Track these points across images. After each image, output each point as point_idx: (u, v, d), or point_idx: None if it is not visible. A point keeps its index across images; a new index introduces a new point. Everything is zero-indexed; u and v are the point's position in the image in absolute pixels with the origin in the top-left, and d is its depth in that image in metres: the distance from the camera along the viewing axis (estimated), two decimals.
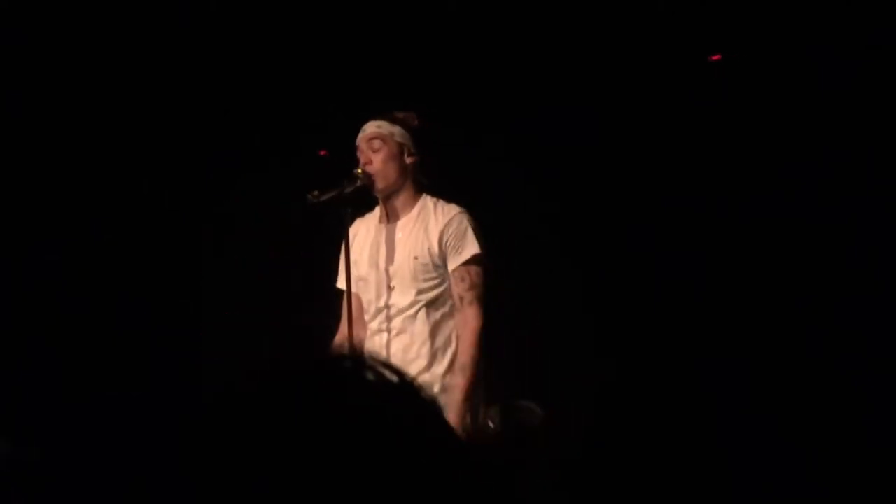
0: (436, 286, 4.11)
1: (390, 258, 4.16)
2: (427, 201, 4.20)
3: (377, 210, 4.29)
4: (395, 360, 3.96)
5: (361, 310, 4.21)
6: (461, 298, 4.07)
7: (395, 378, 1.00)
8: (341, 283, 4.26)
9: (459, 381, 3.97)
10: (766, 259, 5.10)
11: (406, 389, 1.00)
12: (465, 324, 4.06)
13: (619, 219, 5.35)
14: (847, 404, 4.78)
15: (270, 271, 5.90)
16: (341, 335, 4.18)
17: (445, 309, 4.11)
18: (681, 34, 5.19)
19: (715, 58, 5.16)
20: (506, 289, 4.40)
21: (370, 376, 1.00)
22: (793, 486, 4.62)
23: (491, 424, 3.98)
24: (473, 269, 4.09)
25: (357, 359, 1.02)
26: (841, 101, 4.93)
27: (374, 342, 4.12)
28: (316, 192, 4.10)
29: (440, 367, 4.05)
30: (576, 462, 4.57)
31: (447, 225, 4.11)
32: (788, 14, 4.97)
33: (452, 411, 3.88)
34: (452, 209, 4.16)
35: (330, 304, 4.36)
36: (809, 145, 5.01)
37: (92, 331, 5.51)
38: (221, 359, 5.38)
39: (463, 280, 4.09)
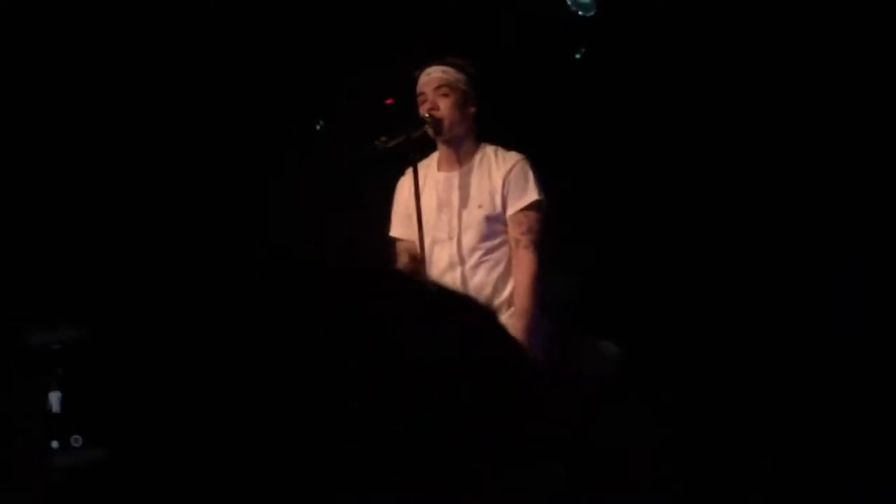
0: (499, 234, 4.12)
1: (456, 207, 4.16)
2: (487, 149, 4.21)
3: (434, 158, 4.29)
4: None
5: (417, 259, 4.19)
6: (517, 242, 4.08)
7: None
8: (395, 231, 4.30)
9: (517, 324, 3.95)
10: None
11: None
12: (519, 266, 4.06)
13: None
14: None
15: (336, 219, 5.99)
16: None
17: (507, 261, 4.11)
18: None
19: None
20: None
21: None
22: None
23: (575, 357, 4.01)
24: (532, 214, 4.10)
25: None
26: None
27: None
28: (384, 139, 4.11)
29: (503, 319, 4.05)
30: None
31: (509, 172, 4.12)
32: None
33: None
34: (513, 156, 4.17)
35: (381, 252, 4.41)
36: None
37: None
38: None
39: (520, 224, 4.09)
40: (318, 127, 6.21)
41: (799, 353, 5.00)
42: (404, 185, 4.28)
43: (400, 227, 4.30)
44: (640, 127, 5.45)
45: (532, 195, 4.10)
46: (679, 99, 5.39)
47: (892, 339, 4.84)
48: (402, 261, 4.23)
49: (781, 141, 5.21)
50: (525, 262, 4.06)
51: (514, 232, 4.10)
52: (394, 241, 4.33)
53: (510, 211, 4.11)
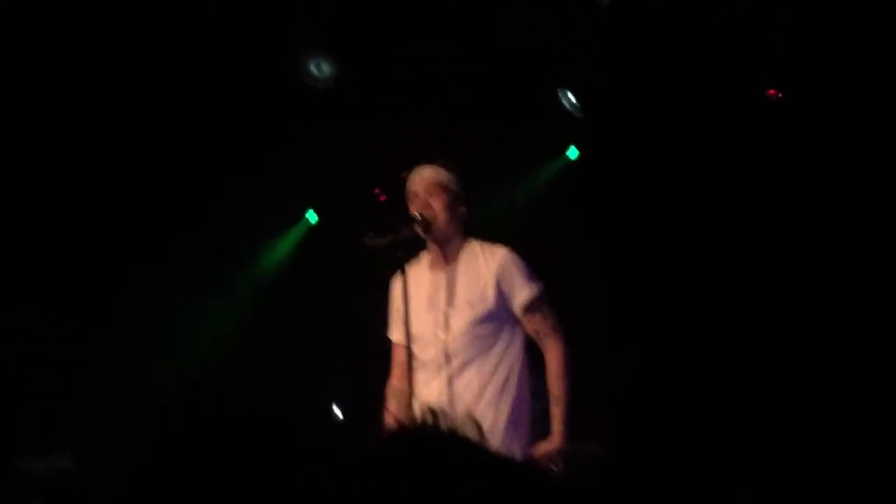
0: (488, 333, 4.10)
1: (443, 307, 4.14)
2: (473, 246, 4.21)
3: (423, 257, 4.28)
4: (460, 403, 3.99)
5: (410, 360, 4.16)
6: (537, 334, 4.12)
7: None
8: (392, 335, 4.28)
9: (555, 411, 4.03)
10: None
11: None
12: (548, 354, 4.10)
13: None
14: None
15: (322, 316, 5.97)
16: (396, 383, 4.20)
17: (499, 353, 4.10)
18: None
19: (771, 92, 5.23)
20: None
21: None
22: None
23: (554, 469, 3.99)
24: (539, 306, 4.12)
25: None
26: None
27: (432, 388, 4.11)
28: (372, 235, 4.08)
29: (505, 406, 4.06)
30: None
31: (500, 269, 4.11)
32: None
33: (556, 438, 3.98)
34: (498, 251, 4.17)
35: (373, 350, 4.39)
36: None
37: None
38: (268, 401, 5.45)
39: (532, 320, 4.12)
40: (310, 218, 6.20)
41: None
42: (396, 286, 4.25)
43: (396, 331, 4.28)
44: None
45: (532, 288, 4.12)
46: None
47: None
48: (397, 365, 4.24)
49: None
50: (553, 350, 4.10)
51: (530, 328, 4.14)
52: (391, 343, 4.33)
53: (517, 311, 4.13)
